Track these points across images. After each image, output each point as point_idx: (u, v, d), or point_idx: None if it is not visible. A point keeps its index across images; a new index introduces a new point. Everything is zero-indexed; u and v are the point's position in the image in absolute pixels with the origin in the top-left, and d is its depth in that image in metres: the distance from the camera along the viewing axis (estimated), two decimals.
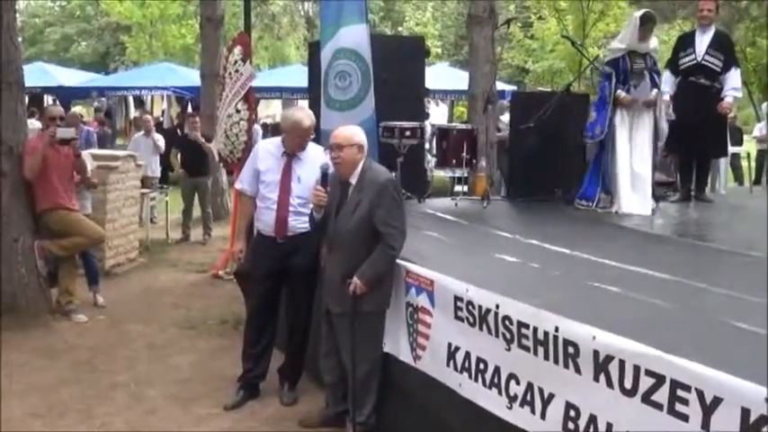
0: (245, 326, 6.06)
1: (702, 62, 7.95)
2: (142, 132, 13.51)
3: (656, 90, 7.39)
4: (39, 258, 7.67)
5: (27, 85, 8.08)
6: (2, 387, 5.91)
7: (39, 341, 7.10)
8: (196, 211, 12.41)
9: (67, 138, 7.66)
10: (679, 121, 7.91)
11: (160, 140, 13.40)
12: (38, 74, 20.58)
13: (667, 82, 7.93)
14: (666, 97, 7.88)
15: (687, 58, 7.99)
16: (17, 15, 7.93)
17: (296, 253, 5.59)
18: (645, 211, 7.28)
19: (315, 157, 5.58)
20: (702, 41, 7.99)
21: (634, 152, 7.41)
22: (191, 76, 19.96)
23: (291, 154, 5.62)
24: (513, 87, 22.94)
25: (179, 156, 12.46)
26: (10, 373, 6.25)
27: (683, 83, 7.90)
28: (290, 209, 5.56)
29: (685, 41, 8.18)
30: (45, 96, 22.90)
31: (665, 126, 7.64)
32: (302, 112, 5.75)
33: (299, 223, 5.55)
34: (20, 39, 8.22)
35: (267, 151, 5.76)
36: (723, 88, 7.97)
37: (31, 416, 5.47)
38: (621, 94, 7.33)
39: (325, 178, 5.02)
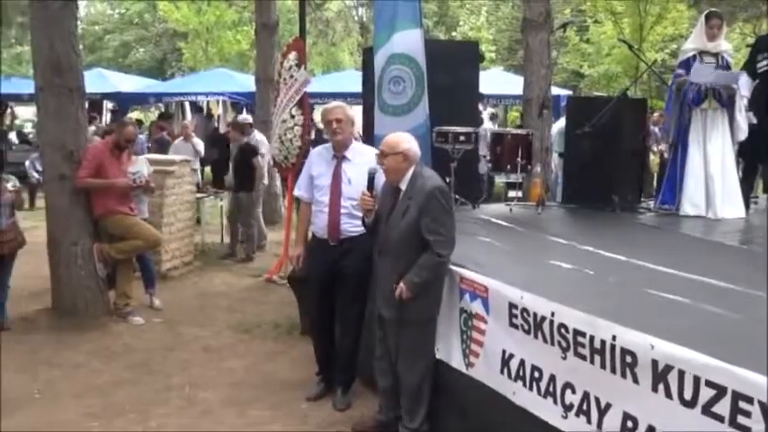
0: (309, 330, 6.11)
1: None
2: (182, 138, 13.66)
3: (735, 84, 7.29)
4: (97, 261, 7.80)
5: (87, 91, 8.22)
6: (59, 388, 6.04)
7: (96, 343, 7.22)
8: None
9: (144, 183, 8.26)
10: (755, 126, 7.66)
11: (199, 145, 13.55)
12: (97, 80, 20.95)
13: (744, 85, 7.72)
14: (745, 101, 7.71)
15: (764, 62, 7.77)
16: (78, 23, 8.07)
17: (348, 256, 5.63)
18: (715, 214, 7.21)
19: (366, 158, 5.62)
20: None
21: (708, 154, 7.31)
22: (246, 82, 20.13)
23: (340, 156, 5.69)
24: (568, 92, 22.70)
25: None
26: (67, 374, 6.38)
27: (760, 86, 7.71)
28: (342, 211, 5.61)
29: (763, 44, 7.96)
30: (104, 102, 23.30)
31: (743, 124, 7.48)
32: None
33: (351, 226, 5.59)
34: (80, 46, 8.37)
35: (319, 155, 5.87)
36: None
37: (88, 416, 5.56)
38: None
39: (371, 182, 5.05)
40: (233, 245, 11.74)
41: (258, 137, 11.99)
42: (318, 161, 5.83)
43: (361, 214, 5.36)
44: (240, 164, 11.37)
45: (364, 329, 5.76)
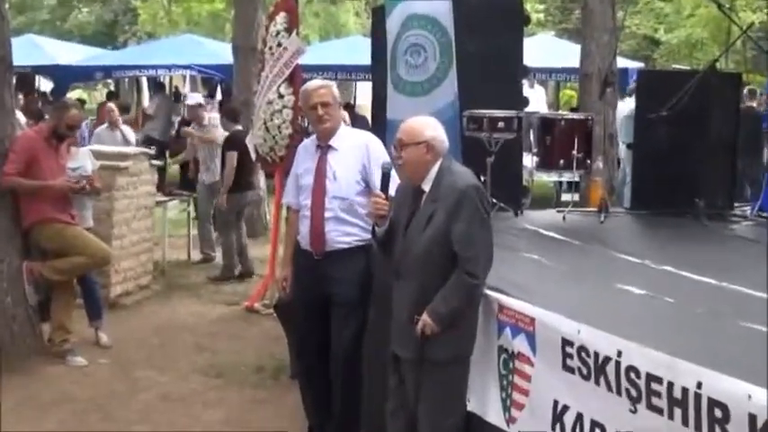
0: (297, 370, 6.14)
1: None
2: (106, 125, 13.69)
3: None
4: (27, 284, 7.79)
5: (15, 63, 8.22)
6: None
7: (24, 390, 7.19)
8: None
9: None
10: None
11: (129, 133, 13.62)
12: (28, 49, 20.94)
13: None
14: None
15: None
16: None
17: (337, 276, 5.66)
18: None
19: (354, 148, 5.70)
20: None
21: None
22: (220, 52, 20.17)
23: (325, 146, 5.74)
24: (640, 64, 22.68)
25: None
26: None
27: None
28: (327, 215, 5.63)
29: None
30: (37, 77, 23.38)
31: None
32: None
33: (339, 235, 5.62)
34: (6, 5, 8.38)
35: (305, 150, 5.96)
36: None
37: None
38: None
39: (386, 180, 5.04)
40: (207, 254, 12.05)
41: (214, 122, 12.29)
42: (304, 157, 5.91)
43: (353, 219, 5.49)
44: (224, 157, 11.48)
45: (370, 371, 5.75)
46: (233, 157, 11.07)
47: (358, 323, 5.71)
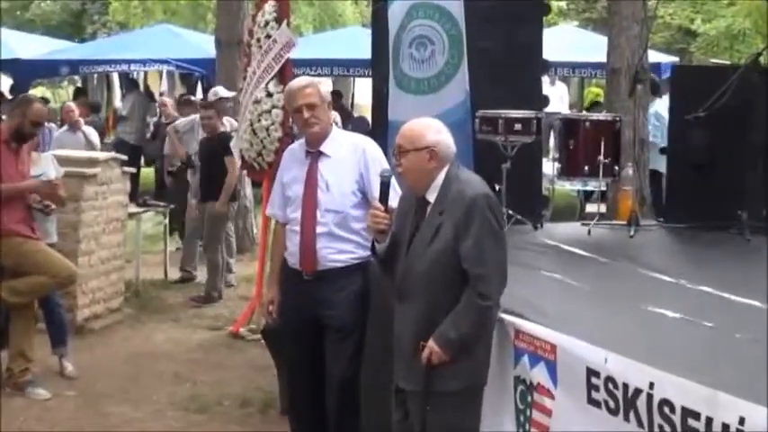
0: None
1: None
2: (66, 128, 13.68)
3: None
4: None
5: None
6: None
7: None
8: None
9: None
10: None
11: (92, 135, 13.58)
12: None
13: None
14: None
15: None
16: None
17: (331, 298, 5.66)
18: None
19: (350, 154, 5.70)
20: None
21: None
22: (201, 44, 20.22)
23: (315, 152, 5.74)
24: (674, 58, 22.72)
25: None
26: None
27: None
28: (319, 230, 5.64)
29: None
30: None
31: None
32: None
33: (332, 252, 5.62)
34: None
35: (292, 155, 5.97)
36: None
37: None
38: None
39: (386, 190, 5.04)
40: (187, 272, 12.08)
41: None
42: (290, 163, 5.93)
43: (348, 235, 5.51)
44: (212, 161, 11.45)
45: (368, 404, 5.75)
46: (236, 162, 11.05)
47: (354, 350, 5.71)
